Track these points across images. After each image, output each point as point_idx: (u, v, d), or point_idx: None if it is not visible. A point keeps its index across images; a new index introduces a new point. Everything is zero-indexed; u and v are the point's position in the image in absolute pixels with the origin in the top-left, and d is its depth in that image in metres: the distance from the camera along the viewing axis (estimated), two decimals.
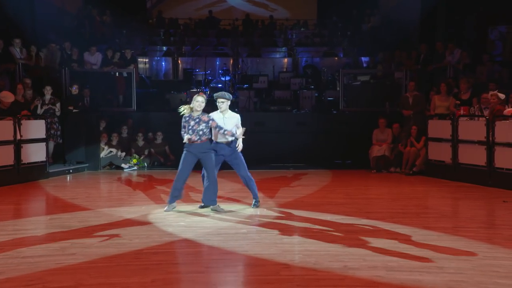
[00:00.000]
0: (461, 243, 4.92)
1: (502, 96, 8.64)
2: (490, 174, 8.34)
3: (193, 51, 15.71)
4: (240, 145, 6.51)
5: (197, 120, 6.28)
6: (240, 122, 6.62)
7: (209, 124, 6.31)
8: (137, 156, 10.98)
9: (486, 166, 8.42)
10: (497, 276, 3.97)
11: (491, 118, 8.41)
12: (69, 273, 4.09)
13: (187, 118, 6.33)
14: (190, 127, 6.27)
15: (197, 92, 12.70)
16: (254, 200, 6.70)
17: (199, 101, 6.31)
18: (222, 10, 20.22)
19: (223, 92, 6.69)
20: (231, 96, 6.65)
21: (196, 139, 6.22)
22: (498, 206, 7.00)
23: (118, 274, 4.10)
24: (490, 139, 8.36)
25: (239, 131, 6.45)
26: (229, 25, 18.64)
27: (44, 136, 9.50)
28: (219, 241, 5.02)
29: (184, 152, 6.33)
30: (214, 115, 6.52)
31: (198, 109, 6.31)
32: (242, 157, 6.57)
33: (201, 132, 6.25)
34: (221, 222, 5.84)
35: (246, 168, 6.59)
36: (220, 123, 6.41)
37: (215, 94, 6.73)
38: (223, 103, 6.50)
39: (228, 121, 6.50)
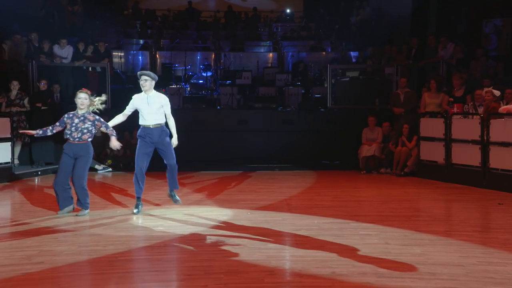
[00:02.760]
0: (454, 247, 4.97)
1: (497, 92, 8.76)
2: (485, 175, 8.45)
3: (172, 45, 15.64)
4: (175, 142, 6.52)
5: (82, 118, 6.34)
6: (169, 104, 6.48)
7: (95, 124, 6.37)
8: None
9: (480, 166, 8.52)
10: (492, 283, 4.02)
11: (486, 116, 8.51)
12: (36, 283, 4.02)
13: (71, 115, 6.38)
14: (73, 125, 6.29)
15: (177, 89, 12.69)
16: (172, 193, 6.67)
17: (81, 97, 6.36)
18: (203, 1, 20.18)
19: (147, 71, 6.64)
20: (155, 76, 6.56)
21: (76, 137, 6.25)
22: (493, 208, 7.10)
23: (90, 283, 4.05)
24: (485, 138, 8.46)
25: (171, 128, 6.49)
26: (210, 17, 18.61)
27: (10, 136, 9.34)
28: (199, 246, 4.99)
29: (63, 153, 6.34)
30: (135, 96, 6.50)
31: (81, 106, 6.35)
32: (171, 145, 6.50)
33: (85, 130, 6.30)
34: (201, 227, 5.82)
35: (174, 156, 6.48)
36: (144, 104, 6.38)
37: (138, 72, 6.68)
38: (146, 81, 6.37)
39: (152, 101, 6.40)
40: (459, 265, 4.41)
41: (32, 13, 13.90)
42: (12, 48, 11.69)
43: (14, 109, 9.99)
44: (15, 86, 10.14)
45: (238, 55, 15.34)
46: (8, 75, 10.74)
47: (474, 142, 8.66)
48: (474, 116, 8.81)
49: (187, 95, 13.02)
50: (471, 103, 9.16)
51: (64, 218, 6.23)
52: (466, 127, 8.88)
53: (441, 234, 5.54)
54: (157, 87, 13.96)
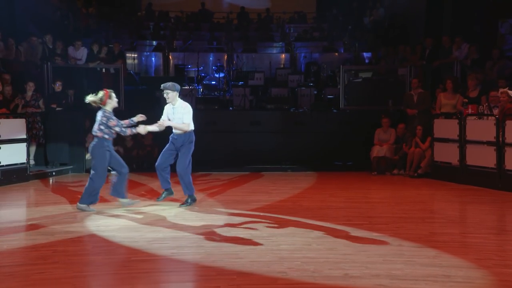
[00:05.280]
0: (469, 249, 4.93)
1: None
2: (500, 176, 8.35)
3: (185, 46, 15.71)
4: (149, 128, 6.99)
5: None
6: (188, 113, 6.96)
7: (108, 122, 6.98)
8: None
9: (495, 168, 8.43)
10: (509, 286, 3.97)
11: (501, 117, 8.42)
12: (51, 283, 4.06)
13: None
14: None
15: (190, 90, 12.73)
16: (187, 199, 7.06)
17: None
18: (216, 2, 20.25)
19: (170, 83, 7.10)
20: (176, 87, 7.03)
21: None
22: (508, 210, 7.03)
23: (104, 283, 4.08)
24: (500, 139, 8.37)
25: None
26: (223, 18, 18.66)
27: (25, 136, 9.44)
28: (212, 247, 5.00)
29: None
30: (166, 106, 7.12)
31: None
32: (189, 152, 6.96)
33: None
34: (214, 228, 5.82)
35: (183, 167, 6.89)
36: (170, 114, 7.04)
37: (162, 85, 7.13)
38: (168, 94, 6.97)
39: (176, 111, 7.00)
40: (474, 268, 4.36)
41: (48, 15, 14.06)
42: (28, 50, 11.82)
43: (29, 110, 10.10)
44: (30, 87, 10.25)
45: (251, 56, 15.35)
46: (24, 76, 10.86)
47: (489, 143, 8.56)
48: (489, 117, 8.72)
49: (199, 96, 13.05)
50: (486, 104, 9.07)
51: (77, 219, 6.27)
52: (481, 128, 8.80)
53: (455, 236, 5.49)
54: None
